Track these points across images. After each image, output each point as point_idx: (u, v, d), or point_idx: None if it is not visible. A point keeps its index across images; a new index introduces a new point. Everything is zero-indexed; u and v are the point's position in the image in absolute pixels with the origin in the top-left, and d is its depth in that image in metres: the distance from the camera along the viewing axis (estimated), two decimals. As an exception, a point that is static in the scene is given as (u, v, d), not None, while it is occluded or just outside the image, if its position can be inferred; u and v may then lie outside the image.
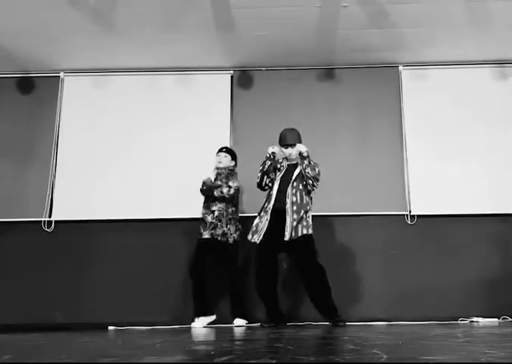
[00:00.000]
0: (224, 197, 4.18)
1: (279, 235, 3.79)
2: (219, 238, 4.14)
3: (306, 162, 3.90)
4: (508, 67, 5.13)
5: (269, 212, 3.88)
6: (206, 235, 4.15)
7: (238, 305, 4.22)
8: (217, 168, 4.34)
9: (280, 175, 3.98)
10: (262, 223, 3.88)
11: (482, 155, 4.92)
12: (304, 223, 3.83)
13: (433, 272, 4.65)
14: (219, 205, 4.21)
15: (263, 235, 3.84)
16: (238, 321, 4.13)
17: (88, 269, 4.77)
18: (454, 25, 4.50)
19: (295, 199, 3.87)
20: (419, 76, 5.16)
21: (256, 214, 4.00)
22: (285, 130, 4.06)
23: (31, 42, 4.74)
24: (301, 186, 3.92)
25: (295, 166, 4.01)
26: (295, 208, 3.84)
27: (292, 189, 3.90)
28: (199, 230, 4.21)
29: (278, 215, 3.85)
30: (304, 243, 3.81)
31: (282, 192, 3.91)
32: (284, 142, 4.01)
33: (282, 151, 4.04)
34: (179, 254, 4.70)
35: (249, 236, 3.92)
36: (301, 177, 3.93)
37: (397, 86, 5.15)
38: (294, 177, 3.94)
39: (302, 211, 3.84)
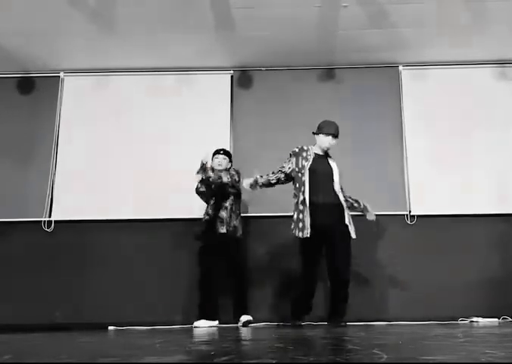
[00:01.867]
0: (234, 186, 4.22)
1: (323, 228, 3.71)
2: (232, 232, 4.18)
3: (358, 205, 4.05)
4: (508, 67, 5.13)
5: (307, 205, 3.73)
6: (223, 230, 4.16)
7: (244, 301, 4.23)
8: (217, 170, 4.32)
9: (309, 165, 3.84)
10: (306, 217, 3.72)
11: (482, 155, 4.92)
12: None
13: (433, 272, 4.65)
14: (230, 201, 4.24)
15: (310, 228, 3.70)
16: (246, 317, 4.11)
17: (88, 269, 4.77)
18: (454, 25, 4.51)
19: (341, 193, 3.86)
20: (419, 76, 5.16)
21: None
22: (327, 120, 3.99)
23: (31, 42, 4.74)
24: (339, 181, 3.91)
25: (324, 157, 3.95)
26: (343, 200, 3.84)
27: (338, 184, 3.87)
28: (214, 227, 4.19)
29: (318, 208, 3.74)
30: (348, 234, 3.80)
31: (318, 183, 3.79)
32: (330, 131, 3.90)
33: (320, 140, 3.93)
34: (179, 254, 4.70)
35: (297, 233, 3.73)
36: (339, 174, 3.92)
37: (397, 86, 5.15)
38: (334, 172, 3.89)
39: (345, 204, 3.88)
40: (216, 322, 4.13)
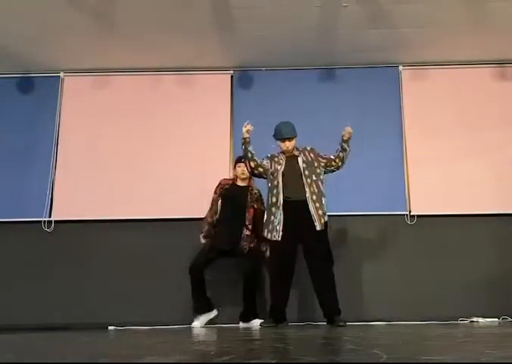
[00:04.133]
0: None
1: (295, 228, 3.77)
2: (239, 248, 4.17)
3: (346, 146, 3.99)
4: (508, 67, 5.13)
5: (280, 207, 3.82)
6: (227, 247, 4.15)
7: (254, 304, 4.19)
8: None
9: (282, 169, 3.95)
10: (277, 218, 3.81)
11: (482, 154, 4.92)
12: (324, 210, 3.87)
13: (433, 272, 4.65)
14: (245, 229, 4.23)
15: (282, 231, 3.78)
16: (257, 322, 4.05)
17: (88, 269, 4.77)
18: (454, 25, 4.50)
19: (312, 189, 3.87)
20: (419, 76, 5.16)
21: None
22: (281, 123, 4.05)
23: (31, 42, 4.74)
24: (314, 176, 3.91)
25: (294, 157, 4.00)
26: (314, 197, 3.84)
27: (306, 180, 3.88)
28: (219, 239, 4.17)
29: (290, 209, 3.81)
30: (323, 232, 3.83)
31: (290, 185, 3.87)
32: (282, 136, 3.99)
33: (279, 145, 4.03)
34: (179, 254, 4.70)
35: (266, 235, 3.85)
36: (309, 166, 3.94)
37: (397, 86, 5.15)
38: (302, 168, 3.93)
39: (322, 199, 3.87)
40: (214, 312, 4.12)
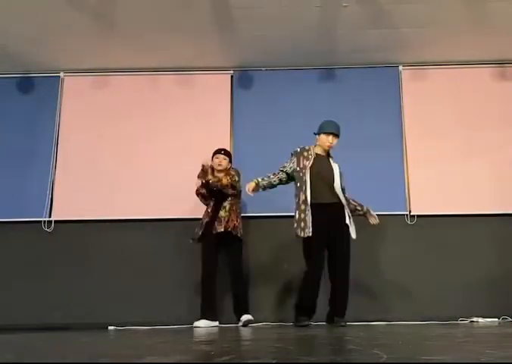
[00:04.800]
0: (233, 186, 4.20)
1: (324, 227, 3.73)
2: (232, 231, 4.16)
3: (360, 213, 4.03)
4: (508, 67, 5.13)
5: (309, 204, 3.75)
6: (221, 229, 4.14)
7: (245, 300, 4.22)
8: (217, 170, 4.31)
9: (310, 165, 3.86)
10: (308, 216, 3.73)
11: (482, 155, 4.92)
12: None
13: (433, 272, 4.65)
14: (228, 201, 4.22)
15: (312, 227, 3.72)
16: (247, 316, 4.09)
17: (88, 269, 4.77)
18: (454, 25, 4.51)
19: (342, 194, 3.85)
20: (419, 76, 5.16)
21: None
22: (328, 120, 4.01)
23: (31, 42, 4.74)
24: (342, 184, 3.92)
25: (325, 157, 3.97)
26: (343, 200, 3.84)
27: (339, 185, 3.87)
28: (210, 226, 4.18)
29: (319, 207, 3.76)
30: (348, 234, 3.82)
31: (319, 183, 3.82)
32: (330, 130, 3.93)
33: (319, 139, 3.96)
34: (179, 254, 4.70)
35: (299, 233, 3.74)
36: (337, 171, 3.93)
37: (397, 86, 5.15)
38: (335, 172, 3.90)
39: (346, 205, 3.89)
40: (216, 323, 4.13)
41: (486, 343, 2.12)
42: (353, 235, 3.81)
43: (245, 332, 3.30)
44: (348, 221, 3.82)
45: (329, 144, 3.94)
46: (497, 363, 1.43)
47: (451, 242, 4.73)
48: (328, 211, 3.77)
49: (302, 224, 3.73)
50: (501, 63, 5.12)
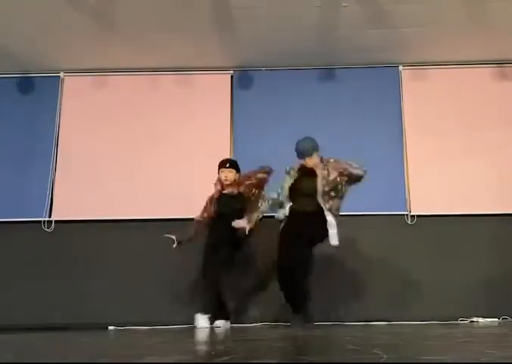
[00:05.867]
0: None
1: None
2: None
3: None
4: (508, 67, 5.13)
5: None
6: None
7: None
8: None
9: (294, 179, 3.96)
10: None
11: (482, 154, 4.92)
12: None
13: (433, 272, 4.65)
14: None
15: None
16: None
17: (88, 269, 4.77)
18: (454, 25, 4.51)
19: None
20: (419, 76, 5.16)
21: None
22: (296, 144, 3.97)
23: (31, 42, 4.74)
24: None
25: (310, 172, 3.95)
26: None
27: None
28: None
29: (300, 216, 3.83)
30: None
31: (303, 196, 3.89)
32: (300, 157, 3.95)
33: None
34: (180, 254, 4.69)
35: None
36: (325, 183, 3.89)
37: (397, 86, 5.15)
38: (319, 186, 3.87)
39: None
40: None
41: (486, 343, 2.12)
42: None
43: (245, 332, 3.30)
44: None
45: (309, 166, 3.93)
46: (497, 363, 1.43)
47: (451, 242, 4.73)
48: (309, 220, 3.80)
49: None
50: (501, 63, 5.12)
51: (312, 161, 3.92)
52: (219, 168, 4.24)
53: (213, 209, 4.18)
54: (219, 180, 4.23)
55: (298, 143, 3.95)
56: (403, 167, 4.95)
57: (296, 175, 3.98)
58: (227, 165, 4.21)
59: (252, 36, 4.67)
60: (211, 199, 4.23)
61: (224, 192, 4.20)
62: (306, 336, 2.75)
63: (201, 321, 3.92)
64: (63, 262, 4.79)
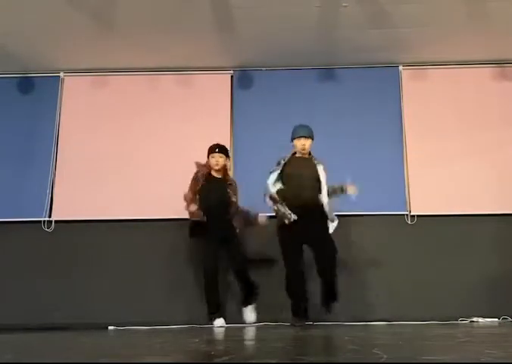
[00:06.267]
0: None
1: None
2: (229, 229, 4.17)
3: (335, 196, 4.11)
4: (508, 67, 5.13)
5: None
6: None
7: (253, 293, 4.25)
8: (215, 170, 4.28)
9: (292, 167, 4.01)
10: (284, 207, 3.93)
11: (482, 155, 4.92)
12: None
13: (433, 272, 4.65)
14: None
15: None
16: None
17: (88, 269, 4.77)
18: (454, 25, 4.51)
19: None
20: (419, 76, 5.16)
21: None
22: (298, 125, 4.12)
23: (31, 42, 4.74)
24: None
25: (306, 160, 4.05)
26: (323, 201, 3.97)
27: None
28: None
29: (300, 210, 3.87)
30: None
31: (301, 186, 3.94)
32: (299, 135, 4.04)
33: (296, 146, 4.07)
34: (179, 254, 4.70)
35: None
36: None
37: (397, 86, 5.15)
38: (319, 175, 3.99)
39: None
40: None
41: (486, 343, 2.12)
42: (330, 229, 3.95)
43: (245, 332, 3.30)
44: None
45: (301, 147, 4.03)
46: (497, 363, 1.44)
47: (451, 242, 4.72)
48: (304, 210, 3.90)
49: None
50: (501, 63, 5.12)
51: (309, 145, 4.05)
52: (208, 153, 4.28)
53: (202, 194, 4.20)
54: (207, 164, 4.26)
55: (301, 125, 4.09)
56: (403, 167, 4.95)
57: (290, 164, 4.04)
58: (217, 150, 4.26)
59: (252, 36, 4.67)
60: (195, 179, 4.24)
61: (213, 175, 4.24)
62: (306, 336, 2.75)
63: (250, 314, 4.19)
64: (63, 262, 4.79)
